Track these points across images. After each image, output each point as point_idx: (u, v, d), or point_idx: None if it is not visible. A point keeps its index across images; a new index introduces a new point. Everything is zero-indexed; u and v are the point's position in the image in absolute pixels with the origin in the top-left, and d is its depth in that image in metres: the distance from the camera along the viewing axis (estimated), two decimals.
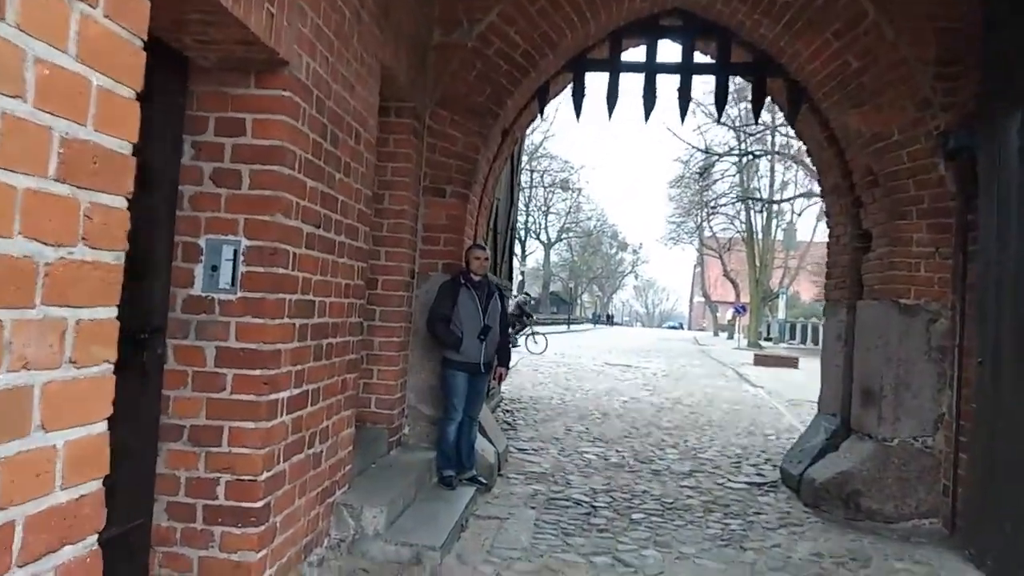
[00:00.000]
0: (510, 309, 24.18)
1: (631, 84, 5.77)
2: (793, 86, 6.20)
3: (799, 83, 6.15)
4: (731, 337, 54.32)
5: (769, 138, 34.59)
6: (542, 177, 54.35)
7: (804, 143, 6.95)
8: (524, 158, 49.97)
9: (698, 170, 34.44)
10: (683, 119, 6.59)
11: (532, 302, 22.97)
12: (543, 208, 59.67)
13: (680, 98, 6.41)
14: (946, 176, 5.47)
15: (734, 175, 36.54)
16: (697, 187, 40.03)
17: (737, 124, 34.48)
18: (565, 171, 55.11)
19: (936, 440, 5.45)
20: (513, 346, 22.80)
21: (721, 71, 6.31)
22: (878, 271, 5.78)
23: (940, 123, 5.46)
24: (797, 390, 15.52)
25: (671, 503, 5.81)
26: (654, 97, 6.40)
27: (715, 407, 11.96)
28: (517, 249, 58.51)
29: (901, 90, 5.52)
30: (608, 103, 6.47)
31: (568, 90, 6.66)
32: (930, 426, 5.47)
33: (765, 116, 34.15)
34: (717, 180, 36.15)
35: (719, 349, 35.00)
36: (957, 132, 5.27)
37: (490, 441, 6.25)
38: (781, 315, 55.06)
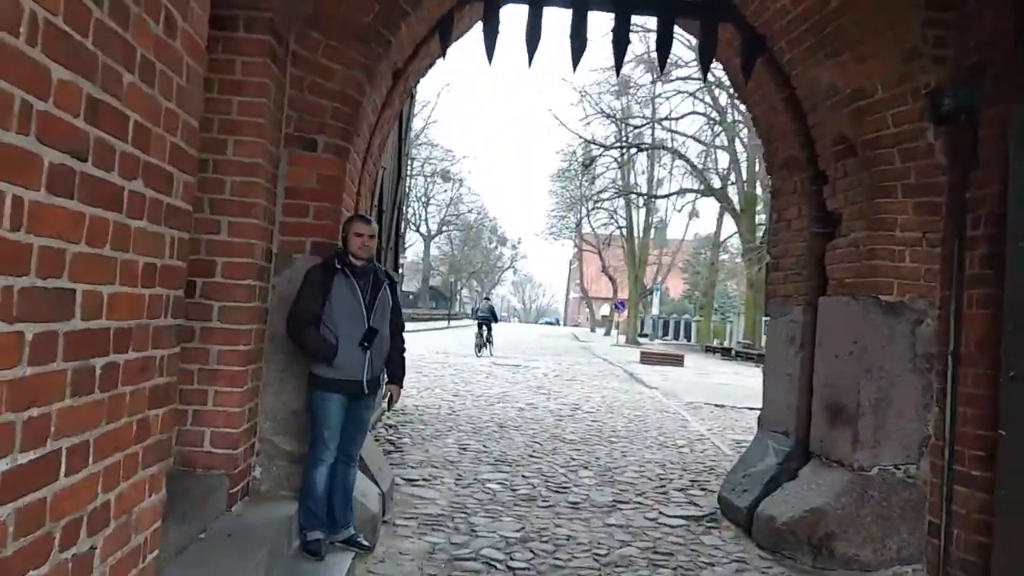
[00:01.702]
0: (483, 313, 21.93)
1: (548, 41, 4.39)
2: (749, 35, 5.12)
3: (756, 31, 5.08)
4: (608, 333, 54.91)
5: (649, 132, 34.70)
6: (423, 166, 52.58)
7: (750, 109, 5.92)
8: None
9: (583, 162, 33.94)
10: (619, 70, 5.38)
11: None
12: (423, 199, 57.91)
13: (615, 42, 5.18)
14: (935, 145, 4.54)
15: (617, 168, 36.39)
16: (581, 180, 39.75)
17: (620, 117, 34.33)
18: (447, 160, 53.61)
19: (921, 468, 4.52)
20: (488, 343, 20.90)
21: (663, 11, 5.13)
22: (850, 261, 4.80)
23: (930, 80, 4.52)
24: (691, 390, 14.95)
25: (605, 555, 4.56)
26: (583, 40, 5.13)
27: (617, 414, 10.97)
28: None
29: (886, 37, 4.53)
30: (528, 45, 5.13)
31: (476, 31, 5.28)
32: (914, 451, 4.53)
33: (649, 110, 34.27)
34: (601, 174, 35.86)
35: (600, 346, 34.78)
36: (956, 90, 4.34)
37: (373, 479, 4.77)
38: (655, 311, 56.31)
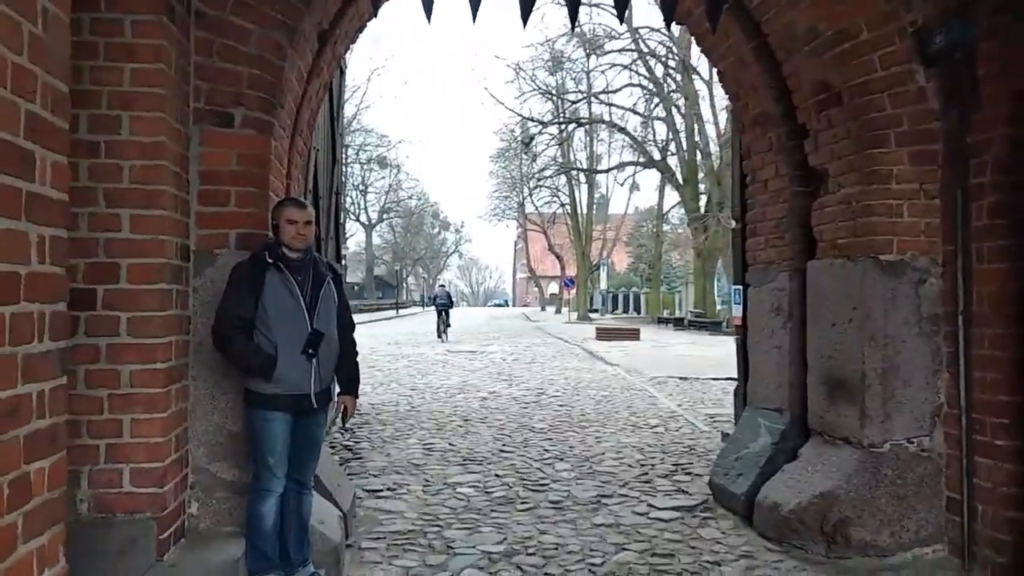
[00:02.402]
0: (442, 300, 22.89)
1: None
2: None
3: None
4: (559, 311, 54.83)
5: (586, 108, 34.37)
6: (358, 153, 51.25)
7: (716, 63, 5.43)
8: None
9: (523, 140, 33.40)
10: (573, 25, 4.82)
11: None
12: (361, 187, 56.56)
13: None
14: (927, 88, 4.13)
15: (557, 146, 35.97)
16: (522, 159, 39.24)
17: (556, 92, 33.88)
18: (382, 146, 52.37)
19: (934, 440, 4.15)
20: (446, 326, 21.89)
21: None
22: (842, 220, 4.38)
23: (916, 17, 4.10)
24: (652, 364, 14.67)
25: (600, 565, 4.07)
26: None
27: (583, 395, 10.55)
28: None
29: None
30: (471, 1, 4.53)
31: None
32: (927, 422, 4.15)
33: (574, 82, 33.82)
34: (541, 152, 35.41)
35: (553, 324, 34.49)
36: (948, 25, 3.93)
37: (331, 499, 4.17)
38: (603, 286, 56.49)
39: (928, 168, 4.16)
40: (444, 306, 22.86)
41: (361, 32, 5.06)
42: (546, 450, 6.93)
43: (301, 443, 3.41)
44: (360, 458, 6.52)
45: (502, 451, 6.85)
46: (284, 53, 3.73)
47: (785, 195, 4.95)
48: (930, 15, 4.09)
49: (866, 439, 4.15)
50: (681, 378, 12.66)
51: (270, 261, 3.30)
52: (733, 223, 7.87)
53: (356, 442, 7.15)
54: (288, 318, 3.30)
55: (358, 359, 3.73)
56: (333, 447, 6.80)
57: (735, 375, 12.86)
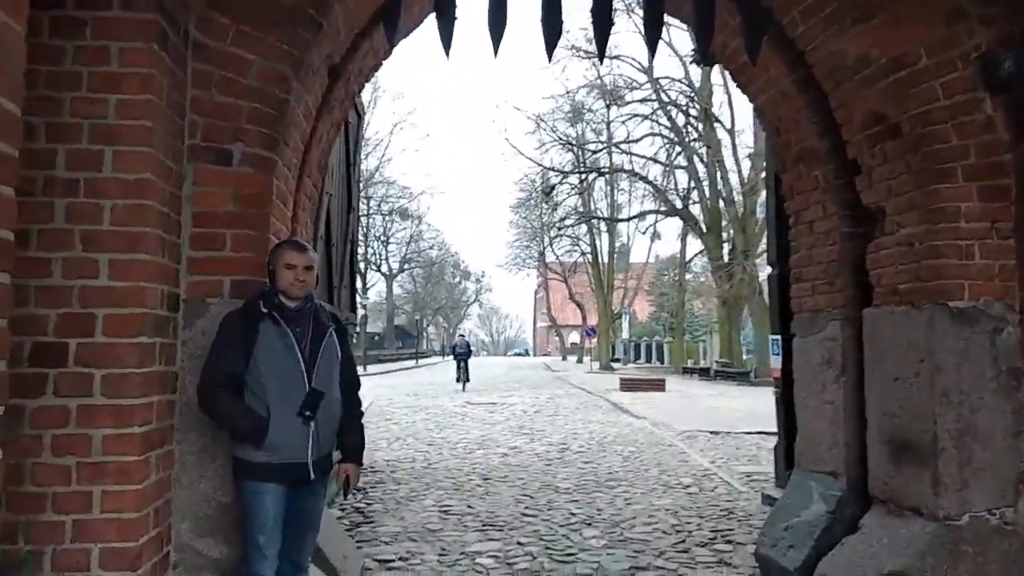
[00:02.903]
0: (461, 350, 23.91)
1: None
2: (751, 8, 4.30)
3: (759, 3, 4.27)
4: (580, 360, 54.07)
5: (607, 157, 34.31)
6: (379, 205, 51.60)
7: (754, 99, 5.08)
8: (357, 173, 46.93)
9: (543, 190, 33.32)
10: (602, 55, 4.51)
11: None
12: (382, 238, 56.80)
13: (596, 23, 4.31)
14: (995, 117, 3.74)
15: (577, 195, 35.83)
16: (542, 209, 39.13)
17: (576, 143, 33.93)
18: (404, 197, 52.69)
19: (1019, 511, 3.63)
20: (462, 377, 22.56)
21: None
22: (904, 263, 3.95)
23: (980, 43, 3.74)
24: (680, 417, 14.08)
25: None
26: (559, 20, 4.26)
27: (609, 451, 10.00)
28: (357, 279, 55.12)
29: None
30: (492, 31, 4.24)
31: (429, 23, 4.38)
32: (1010, 491, 3.65)
33: (613, 128, 33.78)
34: (561, 201, 35.28)
35: (575, 374, 33.85)
36: (1018, 51, 3.55)
37: (335, 574, 3.72)
38: (625, 335, 55.80)
39: (1000, 205, 3.74)
40: (463, 356, 23.51)
41: (376, 70, 4.79)
42: (572, 513, 6.41)
43: (297, 518, 2.99)
44: (372, 522, 6.04)
45: (524, 515, 6.34)
46: (289, 86, 3.44)
47: (834, 237, 4.53)
48: (994, 40, 3.73)
49: (941, 510, 3.64)
50: (712, 432, 12.05)
51: (264, 311, 2.94)
52: (769, 269, 7.44)
53: (369, 504, 6.68)
54: (283, 375, 2.92)
55: (363, 422, 3.32)
56: (343, 510, 6.35)
57: (769, 429, 12.33)
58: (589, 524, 6.06)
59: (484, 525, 6.00)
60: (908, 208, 3.92)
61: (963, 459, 3.63)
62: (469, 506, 6.62)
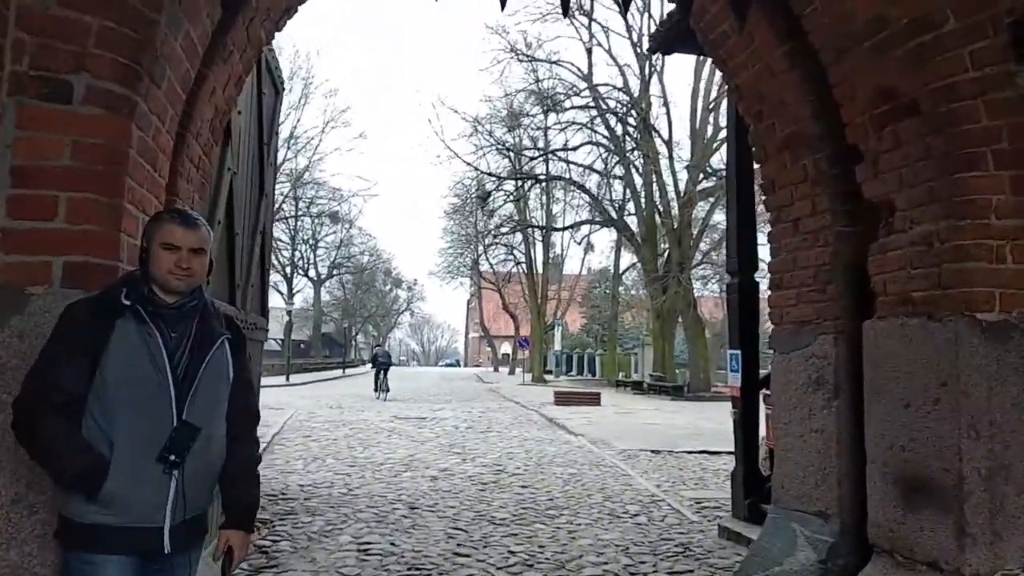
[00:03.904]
0: (381, 359, 23.62)
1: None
2: None
3: None
4: (512, 372, 53.39)
5: (543, 165, 33.83)
6: (308, 206, 49.81)
7: (732, 77, 4.43)
8: (283, 177, 44.95)
9: (479, 195, 32.55)
10: (566, 11, 3.77)
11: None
12: (311, 241, 54.91)
13: None
14: None
15: (513, 203, 35.18)
16: (477, 216, 38.35)
17: (513, 149, 33.34)
18: (335, 199, 51.00)
19: None
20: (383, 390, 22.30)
21: None
22: (918, 266, 3.33)
23: (1014, 6, 3.16)
24: (619, 434, 13.47)
25: None
26: None
27: (548, 473, 9.23)
28: (277, 282, 52.85)
29: None
30: None
31: None
32: None
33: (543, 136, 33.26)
34: (498, 208, 34.56)
35: (507, 386, 33.11)
36: None
37: None
38: (557, 347, 55.52)
39: None
40: (384, 365, 23.65)
41: (290, 15, 3.92)
42: (511, 552, 5.60)
43: None
44: (275, 566, 5.08)
45: (456, 554, 5.50)
46: (159, 2, 2.55)
47: (826, 236, 3.91)
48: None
49: (967, 567, 3.00)
50: (653, 451, 11.46)
51: (127, 303, 2.03)
52: (728, 277, 6.87)
53: (275, 541, 5.70)
54: (140, 397, 2.01)
55: (258, 470, 2.41)
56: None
57: (712, 448, 11.84)
58: (531, 566, 5.26)
59: (409, 569, 5.12)
60: (926, 201, 3.30)
61: (995, 505, 3.01)
62: (392, 543, 5.72)
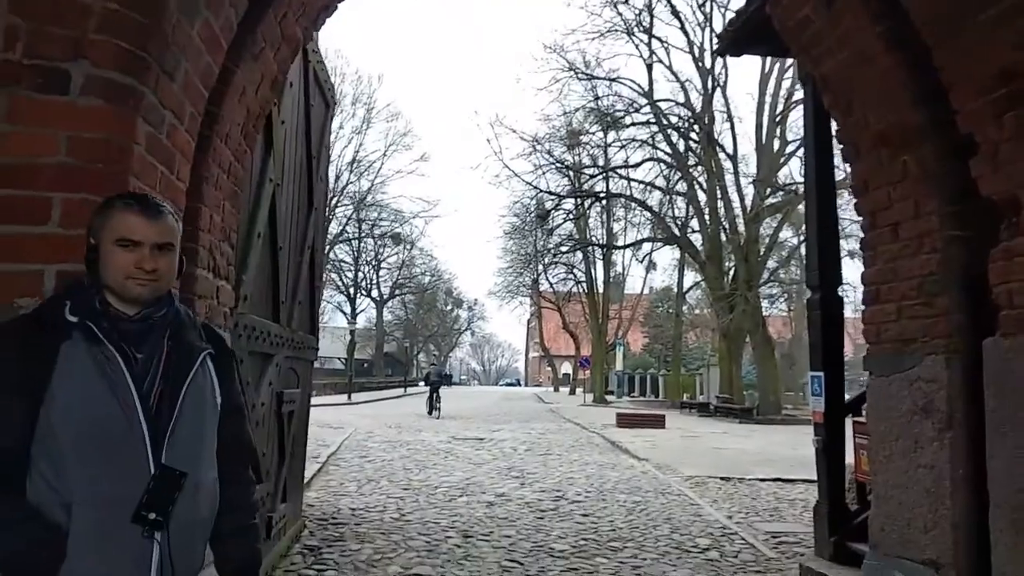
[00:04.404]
0: (433, 377, 24.08)
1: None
2: None
3: None
4: (573, 392, 52.68)
5: (603, 183, 33.33)
6: (371, 228, 50.49)
7: (816, 67, 3.95)
8: (347, 200, 45.43)
9: (538, 214, 32.24)
10: None
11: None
12: (373, 262, 55.60)
13: None
14: None
15: (573, 220, 34.75)
16: (536, 235, 38.06)
17: (573, 167, 32.99)
18: (396, 221, 51.56)
19: None
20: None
21: None
22: None
23: None
24: (685, 459, 12.81)
25: None
26: None
27: (610, 500, 8.73)
28: (340, 303, 53.49)
29: None
30: None
31: None
32: None
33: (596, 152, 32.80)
34: (557, 227, 34.18)
35: (568, 407, 32.51)
36: None
37: None
38: (619, 367, 54.60)
39: None
40: (437, 383, 23.75)
41: (328, 14, 3.66)
42: None
43: None
44: None
45: None
46: None
47: (933, 242, 3.39)
48: None
49: None
50: (723, 478, 10.79)
51: (72, 319, 1.67)
52: (808, 292, 6.30)
53: (320, 570, 5.40)
54: (104, 444, 1.59)
55: (256, 517, 1.94)
56: (294, 569, 5.10)
57: (786, 476, 11.10)
58: None
59: None
60: None
61: None
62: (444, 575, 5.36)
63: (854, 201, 4.01)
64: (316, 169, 6.16)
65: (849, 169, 4.06)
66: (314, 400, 27.22)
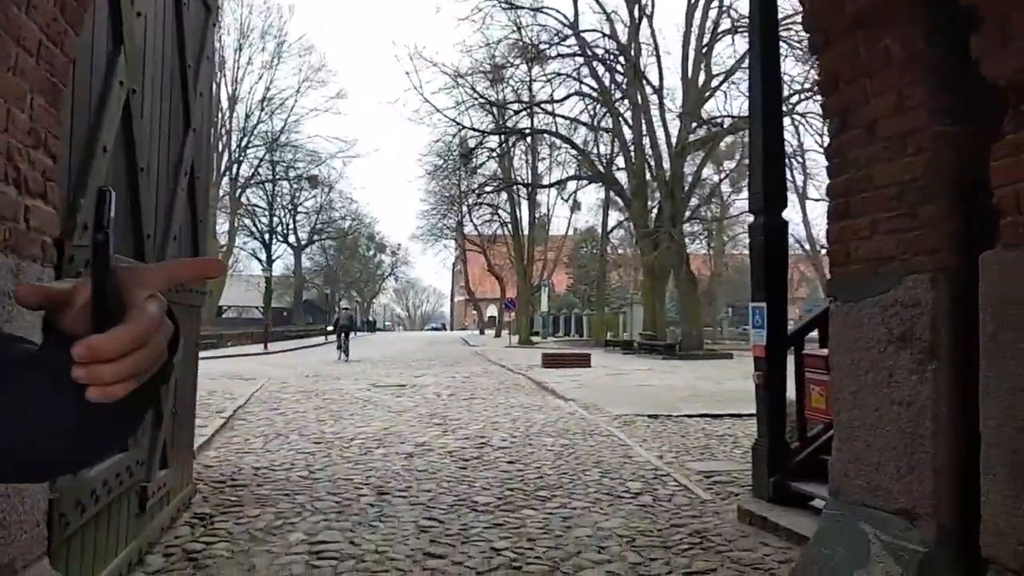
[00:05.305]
0: (343, 322, 25.14)
1: None
2: None
3: None
4: (498, 335, 52.54)
5: (528, 119, 32.44)
6: (286, 171, 48.17)
7: None
8: (258, 141, 42.32)
9: (461, 152, 31.17)
10: None
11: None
12: (289, 207, 53.32)
13: None
14: None
15: (497, 159, 33.81)
16: (460, 175, 36.95)
17: (496, 103, 31.93)
18: (314, 162, 49.31)
19: None
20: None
21: None
22: None
23: None
24: (612, 398, 12.55)
25: None
26: None
27: (537, 445, 8.28)
28: (256, 249, 51.06)
29: None
30: None
31: None
32: None
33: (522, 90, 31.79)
34: (481, 165, 33.19)
35: (493, 349, 32.23)
36: None
37: None
38: (544, 308, 54.69)
39: None
40: (346, 327, 25.30)
41: None
42: (495, 549, 4.62)
43: None
44: (204, 568, 4.09)
45: (428, 554, 4.51)
46: None
47: (919, 141, 2.85)
48: None
49: None
50: (650, 416, 10.54)
51: None
52: (752, 217, 5.82)
53: (209, 543, 4.68)
54: None
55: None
56: (169, 554, 4.38)
57: (714, 411, 10.94)
58: (518, 568, 4.30)
59: (372, 574, 4.14)
60: None
61: None
62: (352, 542, 4.73)
63: (820, 102, 3.45)
64: (194, 82, 5.19)
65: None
66: (228, 351, 25.83)
